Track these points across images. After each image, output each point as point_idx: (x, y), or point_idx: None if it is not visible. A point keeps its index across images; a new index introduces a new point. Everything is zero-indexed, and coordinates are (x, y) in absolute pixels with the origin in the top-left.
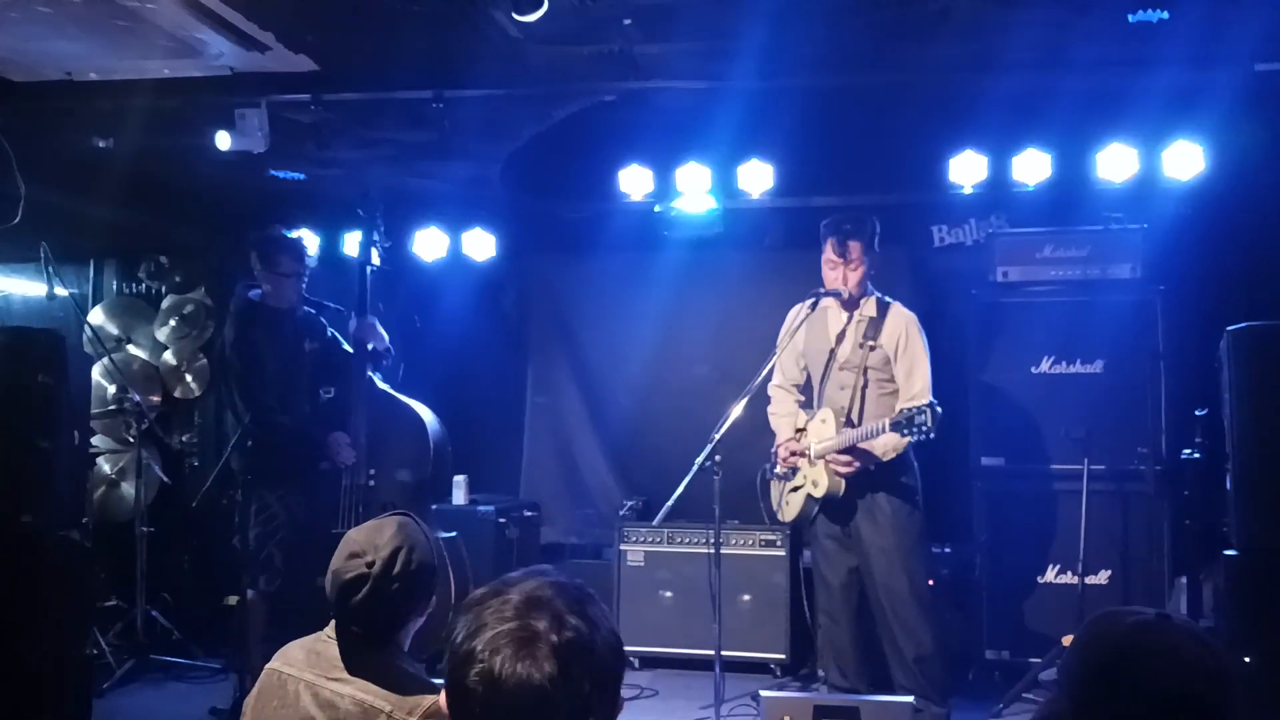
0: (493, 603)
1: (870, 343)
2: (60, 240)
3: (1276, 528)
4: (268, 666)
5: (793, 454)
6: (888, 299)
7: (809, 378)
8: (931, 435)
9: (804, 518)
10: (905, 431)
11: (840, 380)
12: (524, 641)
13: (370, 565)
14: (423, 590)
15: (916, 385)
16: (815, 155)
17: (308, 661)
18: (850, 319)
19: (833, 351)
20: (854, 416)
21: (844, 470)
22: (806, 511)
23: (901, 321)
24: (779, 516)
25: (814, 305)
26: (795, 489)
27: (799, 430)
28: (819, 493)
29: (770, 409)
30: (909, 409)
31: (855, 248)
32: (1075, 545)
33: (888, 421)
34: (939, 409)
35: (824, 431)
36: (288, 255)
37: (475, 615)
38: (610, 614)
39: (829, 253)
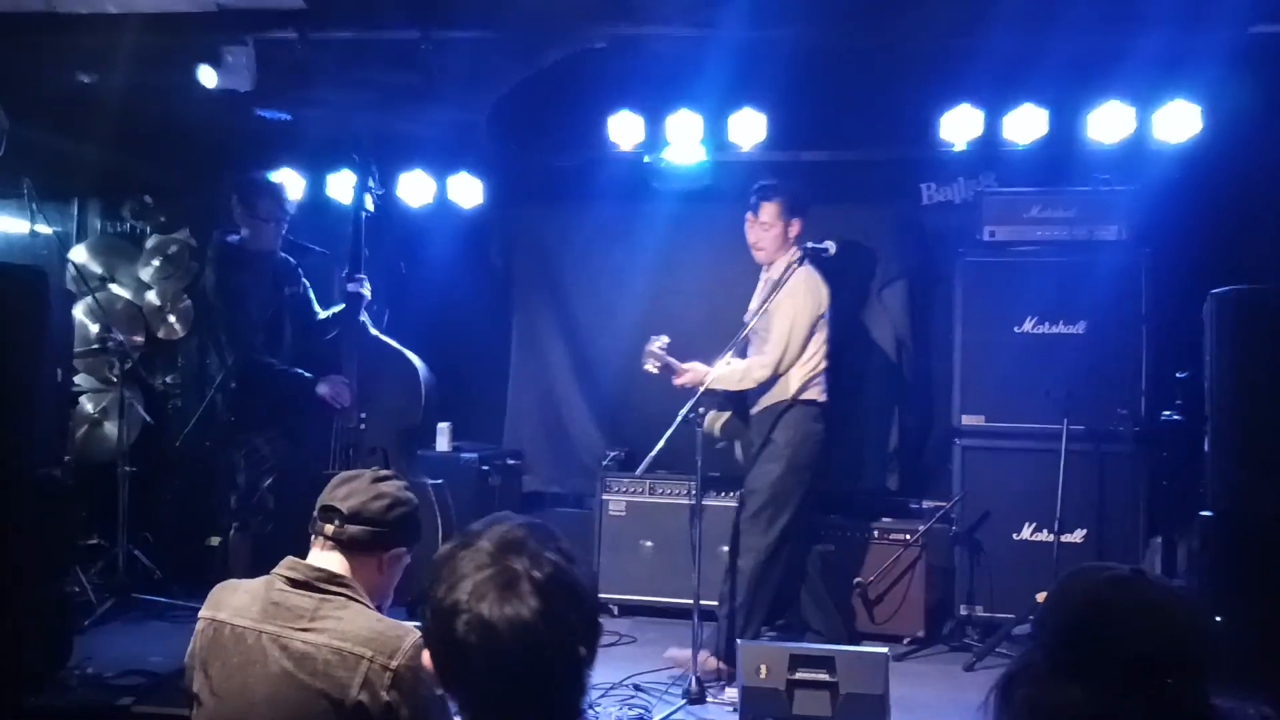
0: (464, 553)
1: (769, 303)
2: (43, 177)
3: (1252, 490)
4: (207, 618)
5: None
6: (799, 264)
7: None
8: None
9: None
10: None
11: (752, 334)
12: (506, 584)
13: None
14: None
15: (768, 341)
16: (807, 109)
17: (265, 613)
18: (766, 278)
19: (750, 309)
20: None
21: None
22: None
23: (797, 284)
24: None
25: (802, 258)
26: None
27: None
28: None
29: None
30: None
31: (768, 208)
32: (1052, 504)
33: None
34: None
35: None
36: (268, 199)
37: (450, 567)
38: (575, 548)
39: (749, 210)
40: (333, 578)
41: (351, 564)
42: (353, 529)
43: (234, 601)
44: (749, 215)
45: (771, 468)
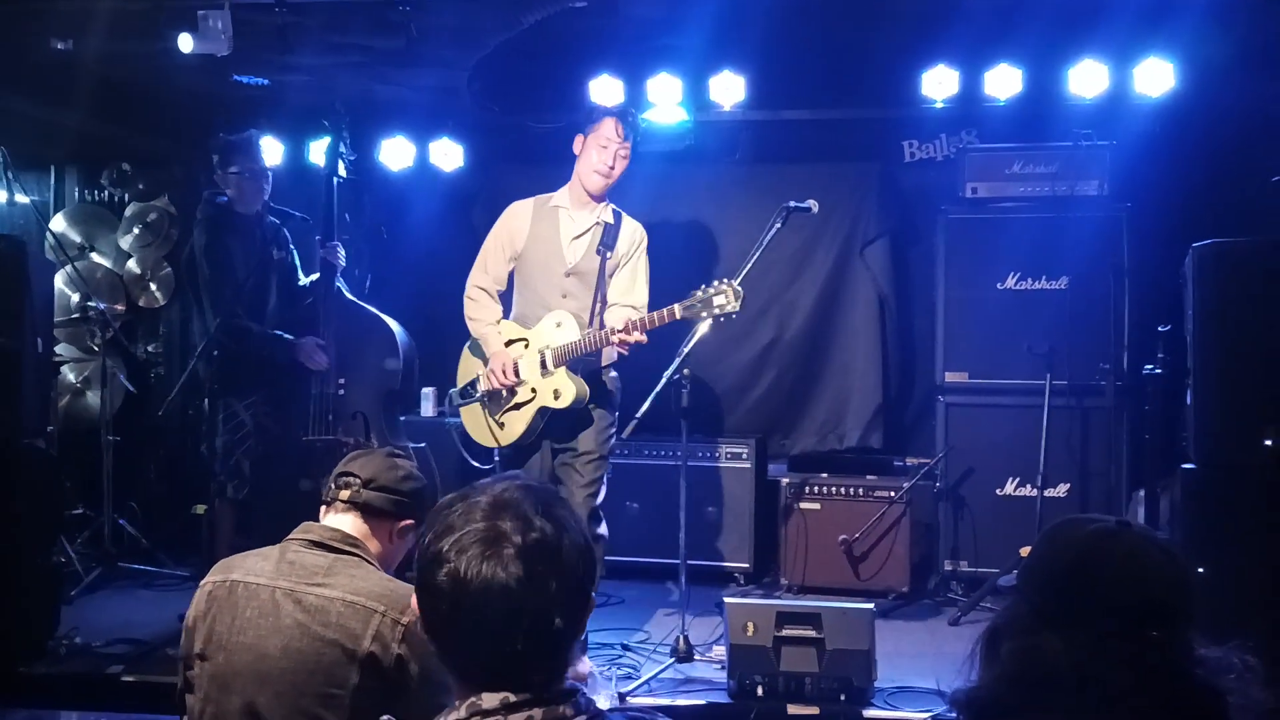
0: (460, 506)
1: (607, 251)
2: (20, 146)
3: (1233, 442)
4: (218, 580)
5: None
6: (619, 209)
7: (511, 282)
8: (735, 314)
9: (530, 434)
10: (704, 313)
11: (565, 287)
12: (490, 542)
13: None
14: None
15: (640, 297)
16: (787, 68)
17: (279, 571)
18: (588, 221)
19: (560, 254)
20: (595, 325)
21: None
22: (534, 427)
23: (638, 234)
24: (489, 442)
25: (785, 216)
26: (518, 406)
27: (509, 342)
28: (563, 403)
29: (471, 312)
30: (706, 287)
31: (629, 142)
32: (1035, 459)
33: (679, 307)
34: (739, 286)
35: (562, 336)
36: (239, 154)
37: (444, 518)
38: (579, 518)
39: (609, 130)
40: (346, 538)
41: (366, 528)
42: (368, 493)
43: (246, 564)
44: (614, 137)
45: (607, 431)
